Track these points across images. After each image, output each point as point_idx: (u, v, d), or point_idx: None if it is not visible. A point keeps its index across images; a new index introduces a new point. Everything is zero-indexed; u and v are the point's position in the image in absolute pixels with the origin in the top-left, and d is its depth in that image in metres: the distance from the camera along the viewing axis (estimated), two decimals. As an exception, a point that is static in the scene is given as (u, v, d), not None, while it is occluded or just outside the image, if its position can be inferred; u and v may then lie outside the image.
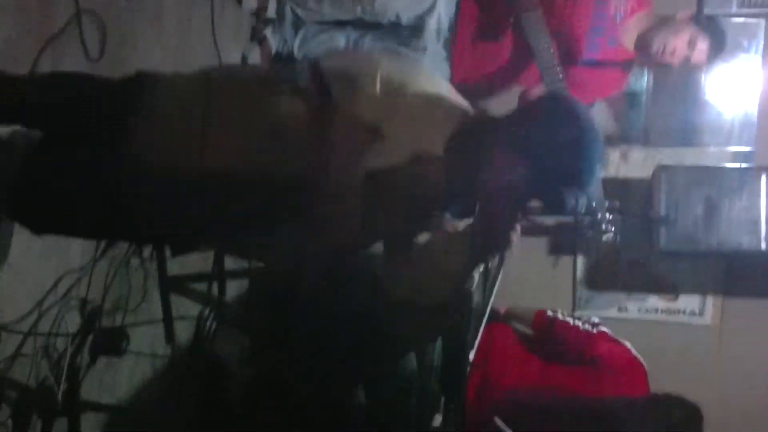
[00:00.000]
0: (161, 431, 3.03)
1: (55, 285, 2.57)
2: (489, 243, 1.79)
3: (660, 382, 3.34)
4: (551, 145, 1.63)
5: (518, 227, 1.79)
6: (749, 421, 3.90)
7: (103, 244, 2.77)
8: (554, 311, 3.42)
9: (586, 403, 3.17)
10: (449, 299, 1.98)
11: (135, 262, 3.01)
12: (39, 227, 1.96)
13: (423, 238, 1.81)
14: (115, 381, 2.91)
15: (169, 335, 3.18)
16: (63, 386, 2.54)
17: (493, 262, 2.84)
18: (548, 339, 3.40)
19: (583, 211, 2.48)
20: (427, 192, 1.72)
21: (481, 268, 2.20)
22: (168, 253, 2.75)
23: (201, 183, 1.67)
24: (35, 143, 1.91)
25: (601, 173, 1.73)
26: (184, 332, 3.27)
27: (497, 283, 3.09)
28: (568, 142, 1.64)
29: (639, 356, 3.35)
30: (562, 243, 4.10)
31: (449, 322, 2.31)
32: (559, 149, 1.63)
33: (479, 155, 1.68)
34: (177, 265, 3.17)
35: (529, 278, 3.97)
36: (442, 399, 2.37)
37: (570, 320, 3.36)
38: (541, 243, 4.12)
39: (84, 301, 2.73)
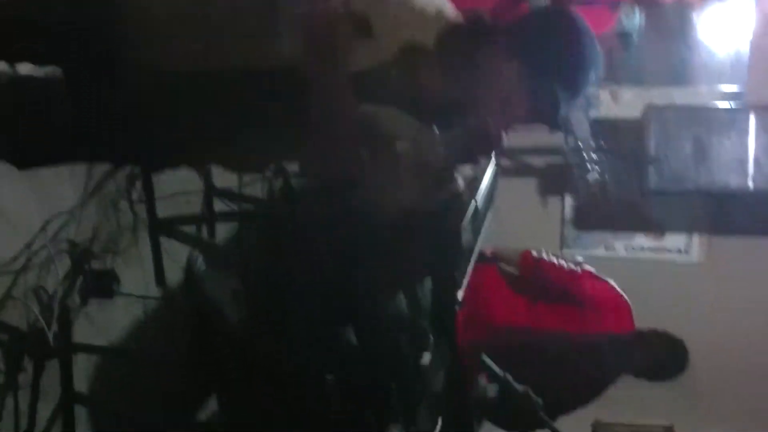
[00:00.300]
0: (154, 373, 3.05)
1: (44, 228, 2.57)
2: (478, 142, 1.80)
3: (646, 319, 3.38)
4: (550, 45, 1.65)
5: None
6: (733, 356, 3.97)
7: (91, 185, 2.77)
8: (539, 251, 3.43)
9: (572, 341, 3.21)
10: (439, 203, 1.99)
11: (124, 204, 3.00)
12: (21, 160, 1.92)
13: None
14: (107, 323, 2.91)
15: (160, 277, 3.19)
16: (54, 329, 2.55)
17: (483, 205, 2.85)
18: (534, 279, 3.41)
19: (572, 125, 2.43)
20: (419, 93, 1.71)
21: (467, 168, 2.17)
22: (150, 167, 2.67)
23: (190, 83, 1.65)
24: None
25: (595, 80, 1.73)
26: (174, 274, 3.27)
27: (486, 223, 3.10)
28: (567, 42, 1.66)
29: (623, 293, 3.38)
30: (550, 183, 4.11)
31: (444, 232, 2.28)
32: (557, 49, 1.66)
33: (474, 53, 1.67)
34: (166, 207, 3.17)
35: (517, 218, 3.99)
36: (432, 338, 2.38)
37: (555, 260, 3.38)
38: (529, 184, 4.13)
39: (73, 244, 2.72)
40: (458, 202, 2.15)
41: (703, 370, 3.46)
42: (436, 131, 1.81)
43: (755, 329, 4.04)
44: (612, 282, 3.40)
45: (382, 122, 1.78)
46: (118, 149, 1.91)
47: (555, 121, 1.74)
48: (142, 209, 3.06)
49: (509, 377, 1.88)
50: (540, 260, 3.39)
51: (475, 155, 2.05)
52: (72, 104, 1.74)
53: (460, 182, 2.03)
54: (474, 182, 2.64)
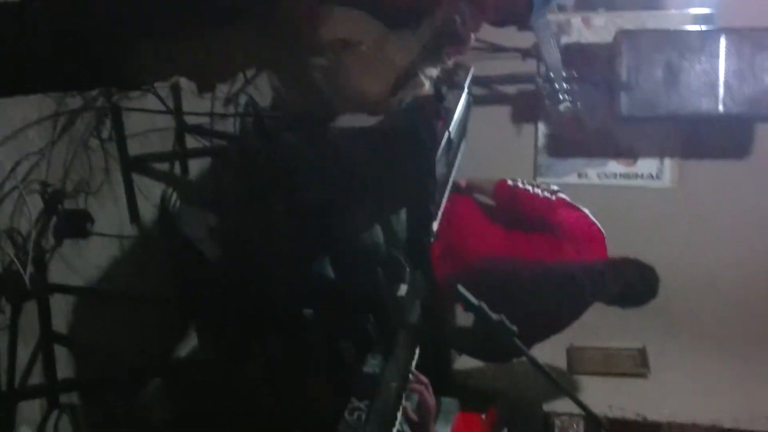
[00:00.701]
0: (132, 311, 3.06)
1: (13, 169, 2.54)
2: (446, 41, 1.80)
3: (619, 245, 3.43)
4: None
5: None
6: (705, 279, 4.04)
7: (60, 124, 2.73)
8: (514, 180, 3.44)
9: (547, 270, 3.24)
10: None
11: (94, 142, 2.96)
12: None
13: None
14: (83, 263, 2.90)
15: (134, 215, 3.17)
16: (30, 270, 2.54)
17: (456, 138, 2.84)
18: (509, 208, 3.43)
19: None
20: None
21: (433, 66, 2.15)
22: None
23: None
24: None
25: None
26: (148, 212, 3.26)
27: (460, 152, 3.11)
28: None
29: (597, 222, 3.41)
30: (523, 112, 4.11)
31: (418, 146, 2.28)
32: None
33: None
34: (137, 145, 3.14)
35: (491, 147, 4.00)
36: (408, 270, 2.40)
37: (530, 188, 3.39)
38: (503, 112, 4.13)
39: (44, 184, 2.70)
40: (426, 104, 2.13)
41: (675, 293, 3.53)
42: (403, 32, 1.80)
43: (726, 252, 4.11)
44: (586, 211, 3.43)
45: (346, 23, 1.77)
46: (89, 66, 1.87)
47: (526, 21, 1.73)
48: (113, 147, 3.03)
49: (484, 306, 1.89)
50: (515, 189, 3.41)
51: (443, 55, 2.04)
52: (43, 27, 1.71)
53: (427, 84, 2.01)
54: (447, 113, 2.64)
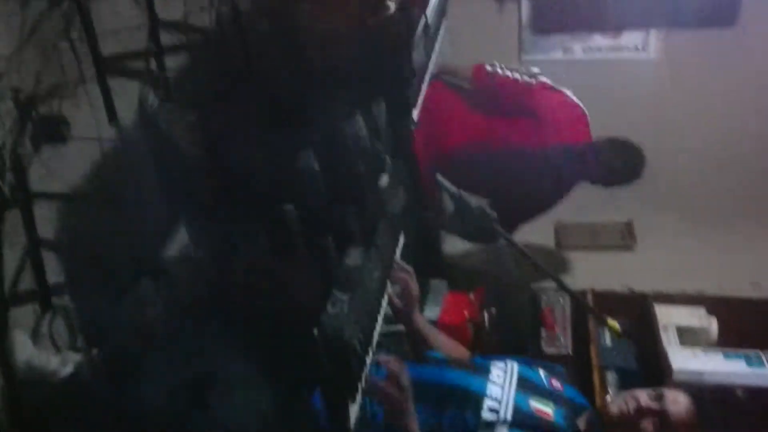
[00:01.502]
0: (118, 214, 3.07)
1: (-19, 78, 2.50)
2: None
3: (605, 121, 3.42)
4: None
5: None
6: (690, 151, 4.05)
7: (26, 29, 2.67)
8: (493, 65, 3.40)
9: (526, 154, 3.24)
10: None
11: (64, 44, 2.90)
12: None
13: None
14: (64, 168, 2.89)
15: (111, 116, 3.14)
16: (9, 179, 2.53)
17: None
18: (489, 93, 3.40)
19: None
20: None
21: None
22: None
23: None
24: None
25: None
26: (126, 112, 3.22)
27: (439, 38, 3.05)
28: None
29: (579, 103, 3.39)
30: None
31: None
32: None
33: None
34: (110, 44, 3.08)
35: (473, 28, 3.93)
36: (388, 160, 2.40)
37: (509, 73, 3.35)
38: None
39: (16, 91, 2.66)
40: (393, 23, 2.10)
41: (661, 166, 3.54)
42: None
43: (712, 123, 4.11)
44: (569, 93, 3.40)
45: None
46: None
47: None
48: (84, 47, 2.97)
49: (463, 194, 1.91)
50: (494, 76, 3.37)
51: None
52: None
53: (392, 6, 1.98)
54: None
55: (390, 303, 2.31)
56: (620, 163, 3.35)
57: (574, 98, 3.40)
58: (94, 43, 2.97)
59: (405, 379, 1.98)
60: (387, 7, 1.98)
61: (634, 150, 3.36)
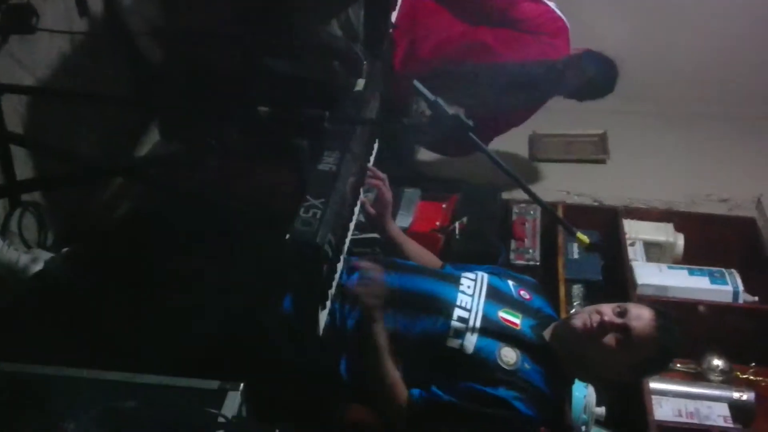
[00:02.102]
0: (87, 109, 3.02)
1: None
2: None
3: (582, 35, 3.40)
4: None
5: None
6: (664, 64, 4.03)
7: None
8: None
9: (509, 67, 3.21)
10: None
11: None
12: None
13: None
14: (32, 60, 2.82)
15: (82, 9, 3.05)
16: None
17: None
18: (474, 2, 3.35)
19: None
20: None
21: None
22: None
23: None
24: None
25: None
26: (97, 6, 3.13)
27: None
28: None
29: (563, 16, 3.34)
30: None
31: None
32: None
33: None
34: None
35: None
36: (366, 63, 2.36)
37: None
38: None
39: (-20, -22, 2.57)
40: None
41: (636, 77, 3.53)
42: None
43: (684, 33, 4.08)
44: (552, 5, 3.35)
45: None
46: None
47: None
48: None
49: (440, 101, 1.88)
50: None
51: None
52: None
53: None
54: None
55: (363, 210, 2.31)
56: (596, 77, 3.33)
57: (558, 11, 3.35)
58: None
59: (381, 287, 2.00)
60: None
61: (610, 63, 3.34)
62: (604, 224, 3.65)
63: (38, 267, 2.45)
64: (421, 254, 2.42)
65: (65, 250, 2.56)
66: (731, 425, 2.92)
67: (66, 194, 2.98)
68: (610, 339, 1.97)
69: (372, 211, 2.31)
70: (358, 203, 2.27)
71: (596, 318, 1.99)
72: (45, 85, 2.87)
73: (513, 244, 3.40)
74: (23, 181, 2.72)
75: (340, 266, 2.04)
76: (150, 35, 3.26)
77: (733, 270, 3.40)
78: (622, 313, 1.99)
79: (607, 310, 2.00)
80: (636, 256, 3.56)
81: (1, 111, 2.58)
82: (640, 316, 1.97)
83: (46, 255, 2.53)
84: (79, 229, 2.99)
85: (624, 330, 1.96)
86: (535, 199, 1.96)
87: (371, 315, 1.97)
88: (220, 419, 1.60)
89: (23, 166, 2.73)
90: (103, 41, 3.16)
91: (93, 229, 3.07)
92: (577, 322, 2.02)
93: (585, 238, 1.91)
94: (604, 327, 1.97)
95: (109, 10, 3.17)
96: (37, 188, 2.83)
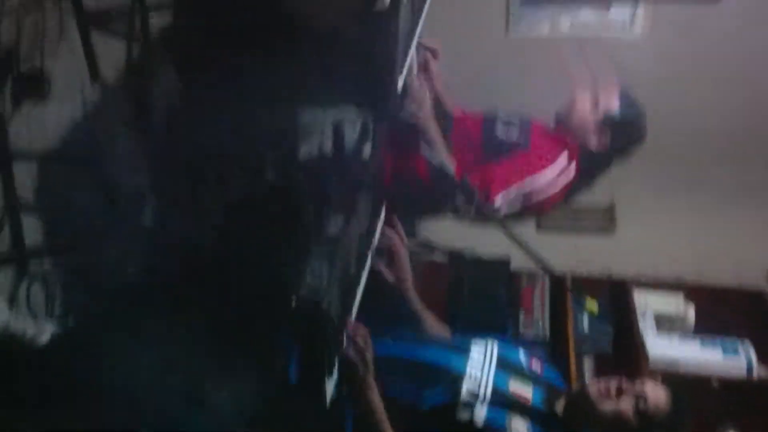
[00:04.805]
0: (97, 168, 3.02)
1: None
2: None
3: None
4: None
5: None
6: (675, 133, 4.04)
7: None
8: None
9: None
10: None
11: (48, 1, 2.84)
12: None
13: None
14: (44, 127, 2.84)
15: (94, 74, 3.08)
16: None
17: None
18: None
19: None
20: None
21: None
22: None
23: None
24: None
25: None
26: (109, 70, 3.16)
27: (426, 5, 3.00)
28: None
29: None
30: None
31: None
32: None
33: None
34: (93, 1, 3.01)
35: (461, -1, 3.89)
36: (373, 130, 2.35)
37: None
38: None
39: (-4, 45, 2.60)
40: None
41: (646, 146, 3.52)
42: None
43: (696, 103, 4.09)
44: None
45: None
46: None
47: None
48: (67, 4, 2.90)
49: (445, 164, 1.87)
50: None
51: None
52: None
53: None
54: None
55: (380, 276, 2.26)
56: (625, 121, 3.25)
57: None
58: (77, -2, 2.91)
59: (369, 351, 1.94)
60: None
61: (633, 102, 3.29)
62: (613, 295, 3.61)
63: (45, 338, 2.43)
64: (434, 325, 2.39)
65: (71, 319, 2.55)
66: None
67: (73, 258, 2.96)
68: (626, 405, 1.93)
69: (391, 277, 2.26)
70: (366, 267, 2.24)
71: (614, 383, 1.96)
72: (55, 151, 2.88)
73: (521, 315, 3.36)
74: (32, 249, 2.71)
75: (346, 334, 2.00)
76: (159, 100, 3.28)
77: (746, 340, 3.34)
78: (639, 384, 1.96)
79: (622, 381, 1.97)
80: (646, 327, 3.51)
81: (12, 178, 2.59)
82: (655, 389, 1.94)
83: (53, 326, 2.51)
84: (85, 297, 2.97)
85: (640, 397, 1.92)
86: (543, 267, 1.94)
87: (363, 381, 1.91)
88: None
89: (32, 234, 2.72)
90: (115, 106, 3.18)
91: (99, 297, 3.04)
92: (592, 388, 1.98)
93: (594, 307, 1.88)
94: (621, 390, 1.94)
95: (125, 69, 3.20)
96: (46, 255, 2.81)
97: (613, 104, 3.09)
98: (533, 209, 3.00)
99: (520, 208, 2.90)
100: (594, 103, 3.09)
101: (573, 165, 3.05)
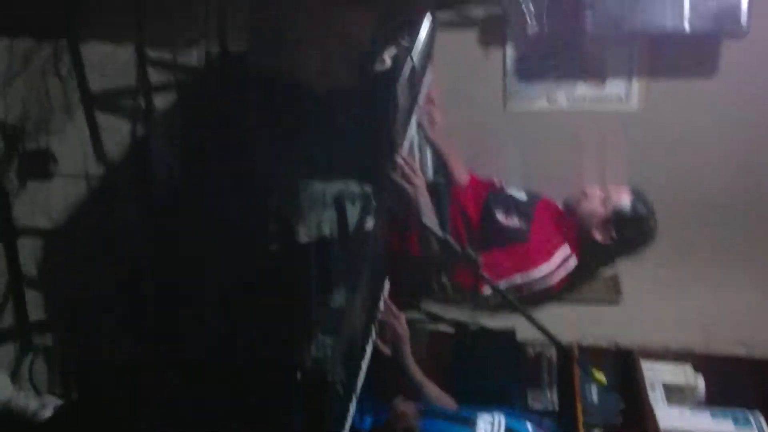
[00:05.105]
0: (98, 251, 3.03)
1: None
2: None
3: (588, 170, 3.42)
4: None
5: None
6: (676, 204, 4.05)
7: (16, 62, 2.66)
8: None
9: None
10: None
11: (54, 80, 2.89)
12: None
13: None
14: (49, 203, 2.86)
15: (99, 153, 3.12)
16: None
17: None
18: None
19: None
20: None
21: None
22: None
23: None
24: None
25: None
26: (113, 148, 3.20)
27: (426, 80, 3.05)
28: None
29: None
30: (491, 35, 4.03)
31: None
32: None
33: None
34: (98, 81, 3.06)
35: (459, 71, 3.93)
36: (375, 202, 2.37)
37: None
38: (470, 36, 4.05)
39: (3, 124, 2.64)
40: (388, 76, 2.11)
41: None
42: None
43: (695, 174, 4.10)
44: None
45: None
46: None
47: None
48: (72, 83, 2.95)
49: (449, 238, 1.88)
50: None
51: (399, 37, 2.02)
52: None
53: (388, 61, 2.00)
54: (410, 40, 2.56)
55: (379, 349, 2.26)
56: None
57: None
58: (82, 78, 2.96)
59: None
60: (383, 61, 2.00)
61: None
62: (621, 366, 3.57)
63: (48, 413, 2.41)
64: (439, 396, 2.36)
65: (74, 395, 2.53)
66: None
67: (76, 333, 2.95)
68: None
69: (387, 351, 2.27)
70: (370, 341, 2.23)
71: None
72: (60, 228, 2.90)
73: (528, 387, 3.32)
74: (35, 323, 2.70)
75: (352, 407, 1.98)
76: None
77: (757, 411, 3.29)
78: None
79: None
80: (656, 399, 3.46)
81: (17, 253, 2.60)
82: None
83: (56, 401, 2.49)
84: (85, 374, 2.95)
85: None
86: (550, 338, 1.93)
87: None
88: None
89: (36, 308, 2.72)
90: (119, 185, 3.20)
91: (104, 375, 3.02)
92: None
93: (602, 377, 1.87)
94: None
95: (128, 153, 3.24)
96: (49, 330, 2.81)
97: (624, 200, 3.13)
98: (529, 298, 3.01)
99: (516, 295, 2.90)
100: (605, 196, 3.13)
101: (573, 257, 3.07)
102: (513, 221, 3.06)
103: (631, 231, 3.18)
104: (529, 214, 3.12)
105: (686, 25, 3.52)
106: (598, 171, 3.37)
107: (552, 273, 2.96)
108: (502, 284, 2.83)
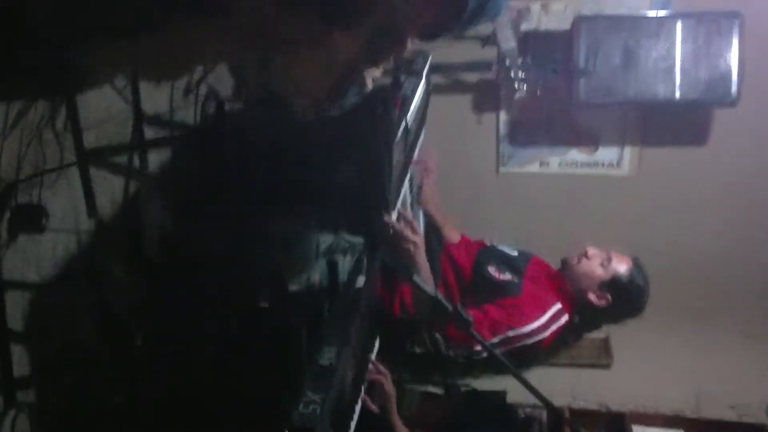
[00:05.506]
0: (91, 307, 3.01)
1: (-37, 164, 2.49)
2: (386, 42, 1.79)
3: (579, 233, 3.44)
4: None
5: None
6: (667, 269, 4.06)
7: (11, 116, 2.67)
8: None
9: None
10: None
11: (49, 134, 2.90)
12: None
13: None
14: (39, 257, 2.85)
15: (91, 210, 3.12)
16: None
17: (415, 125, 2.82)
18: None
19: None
20: None
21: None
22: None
23: None
24: None
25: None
26: (106, 205, 3.21)
27: (419, 142, 3.08)
28: None
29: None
30: (484, 100, 4.09)
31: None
32: None
33: None
34: (94, 137, 3.08)
35: (453, 136, 3.99)
36: (366, 260, 2.37)
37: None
38: (464, 101, 4.11)
39: (-3, 179, 2.64)
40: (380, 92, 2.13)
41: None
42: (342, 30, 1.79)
43: (686, 240, 4.13)
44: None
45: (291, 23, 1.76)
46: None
47: (457, 28, 1.72)
48: (68, 139, 2.97)
49: (440, 296, 1.89)
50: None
51: (383, 55, 2.03)
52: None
53: (369, 82, 2.01)
54: (405, 101, 2.60)
55: (366, 407, 2.25)
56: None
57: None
58: (78, 134, 2.97)
59: None
60: (365, 84, 2.01)
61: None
62: (613, 430, 3.55)
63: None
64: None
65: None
66: None
67: (61, 387, 2.92)
68: None
69: (374, 408, 2.26)
70: (360, 399, 2.22)
71: None
72: (49, 282, 2.88)
73: (521, 450, 3.30)
74: (20, 379, 2.67)
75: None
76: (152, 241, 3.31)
77: (747, 476, 3.27)
78: None
79: None
80: (647, 463, 3.44)
81: (4, 307, 2.58)
82: None
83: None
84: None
85: None
86: (541, 400, 1.92)
87: None
88: None
89: (20, 363, 2.69)
90: (110, 240, 3.20)
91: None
92: None
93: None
94: None
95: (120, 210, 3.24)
96: (34, 386, 2.77)
97: (623, 267, 3.16)
98: (518, 353, 2.99)
99: (506, 351, 2.89)
100: (606, 259, 3.16)
101: (565, 314, 3.07)
102: (505, 275, 3.07)
103: (625, 299, 3.19)
104: (522, 269, 3.13)
105: (677, 94, 3.58)
106: (591, 234, 3.39)
107: (543, 327, 2.96)
108: (495, 340, 2.83)
